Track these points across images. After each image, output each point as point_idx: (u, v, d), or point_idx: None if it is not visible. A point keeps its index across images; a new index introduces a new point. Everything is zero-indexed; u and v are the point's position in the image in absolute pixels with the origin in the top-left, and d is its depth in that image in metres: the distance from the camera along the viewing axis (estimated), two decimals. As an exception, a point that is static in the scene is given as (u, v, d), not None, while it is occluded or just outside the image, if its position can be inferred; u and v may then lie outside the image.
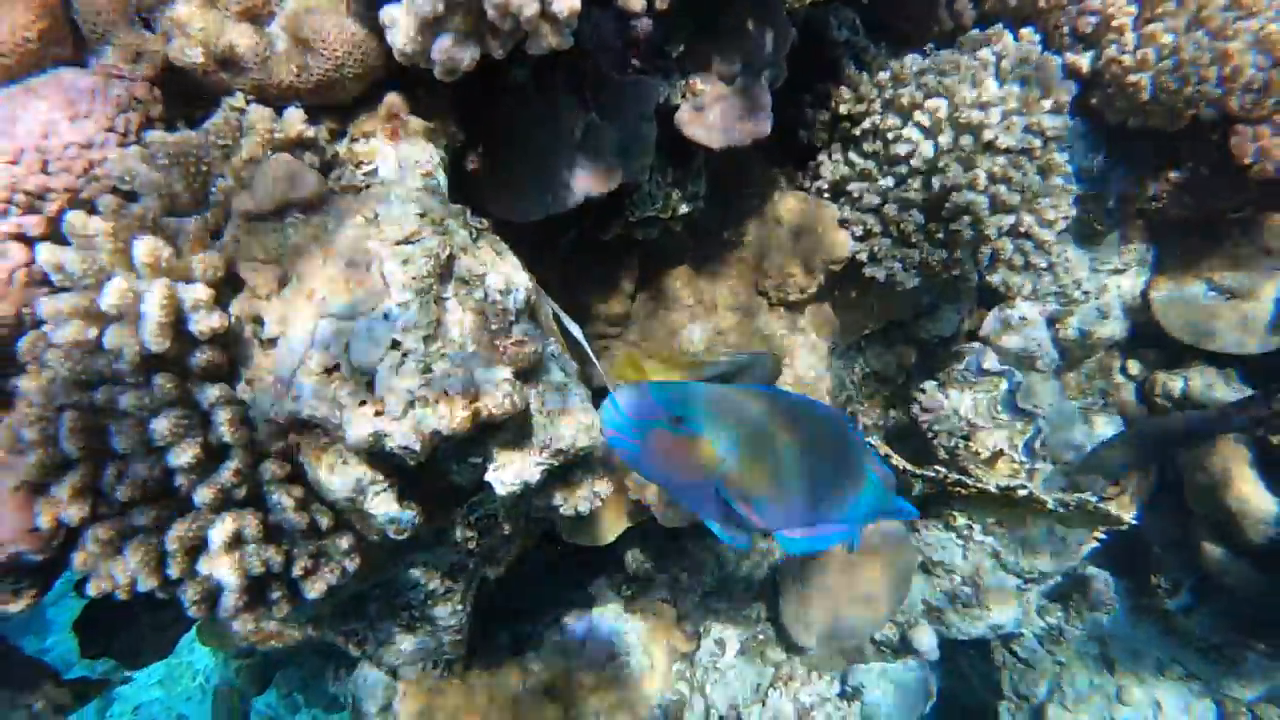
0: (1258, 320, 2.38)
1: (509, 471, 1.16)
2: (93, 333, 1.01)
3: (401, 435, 0.99)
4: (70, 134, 1.06)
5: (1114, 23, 2.06)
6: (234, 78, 1.17)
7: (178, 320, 1.00)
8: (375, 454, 1.06)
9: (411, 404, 0.99)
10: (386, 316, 1.02)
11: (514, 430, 1.16)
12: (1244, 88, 1.97)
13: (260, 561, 1.09)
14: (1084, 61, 2.17)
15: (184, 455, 1.01)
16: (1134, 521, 2.08)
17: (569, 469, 1.29)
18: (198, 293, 0.99)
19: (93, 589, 1.16)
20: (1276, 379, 2.31)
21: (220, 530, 1.05)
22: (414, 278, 1.01)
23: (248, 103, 1.17)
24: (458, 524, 1.49)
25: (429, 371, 1.02)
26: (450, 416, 1.00)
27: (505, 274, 1.06)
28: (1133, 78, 2.04)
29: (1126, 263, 2.43)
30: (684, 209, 1.80)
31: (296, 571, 1.15)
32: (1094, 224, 2.29)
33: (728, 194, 2.03)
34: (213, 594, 1.12)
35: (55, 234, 1.05)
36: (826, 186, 2.06)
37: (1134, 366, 2.65)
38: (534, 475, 1.15)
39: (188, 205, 1.08)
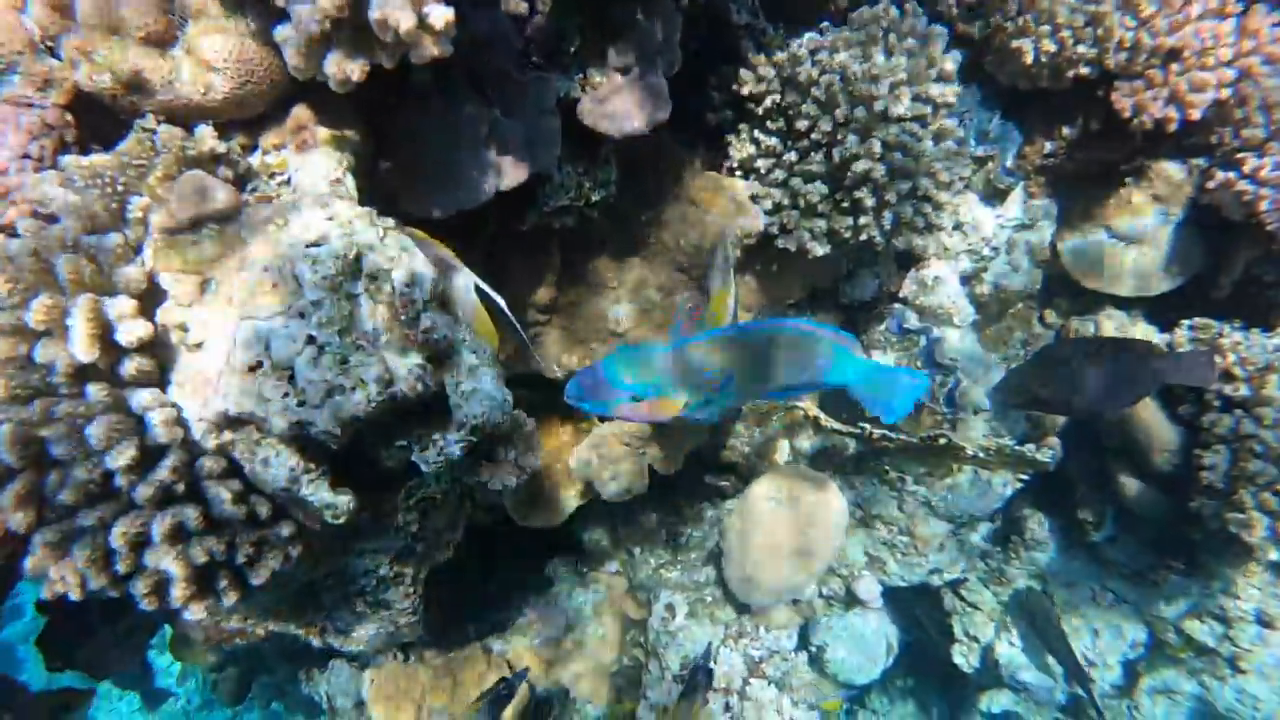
0: (1152, 264, 2.54)
1: (431, 450, 1.25)
2: (23, 349, 1.07)
3: (323, 421, 1.08)
4: (-15, 164, 1.12)
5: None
6: (143, 100, 1.24)
7: (105, 332, 1.07)
8: (302, 441, 1.15)
9: (329, 392, 1.08)
10: (301, 315, 1.10)
11: (436, 413, 1.25)
12: (1116, 47, 2.10)
13: (203, 551, 1.16)
14: (974, 30, 2.30)
15: (121, 457, 1.09)
16: (1050, 464, 2.22)
17: (492, 446, 1.38)
18: (121, 305, 1.06)
19: (46, 592, 1.22)
20: (1176, 316, 2.47)
21: (162, 524, 1.13)
22: (324, 277, 1.09)
23: (158, 123, 1.24)
24: (398, 509, 1.58)
25: (345, 362, 1.10)
26: (365, 401, 1.09)
27: (409, 268, 1.14)
28: (1015, 43, 2.17)
29: (1033, 217, 2.56)
30: (596, 196, 1.89)
31: (240, 559, 1.23)
32: (996, 183, 2.42)
33: (643, 179, 2.13)
34: (162, 585, 1.20)
35: (-20, 259, 1.11)
36: (736, 165, 2.16)
37: (1050, 315, 2.79)
38: (455, 451, 1.24)
39: (106, 224, 1.15)
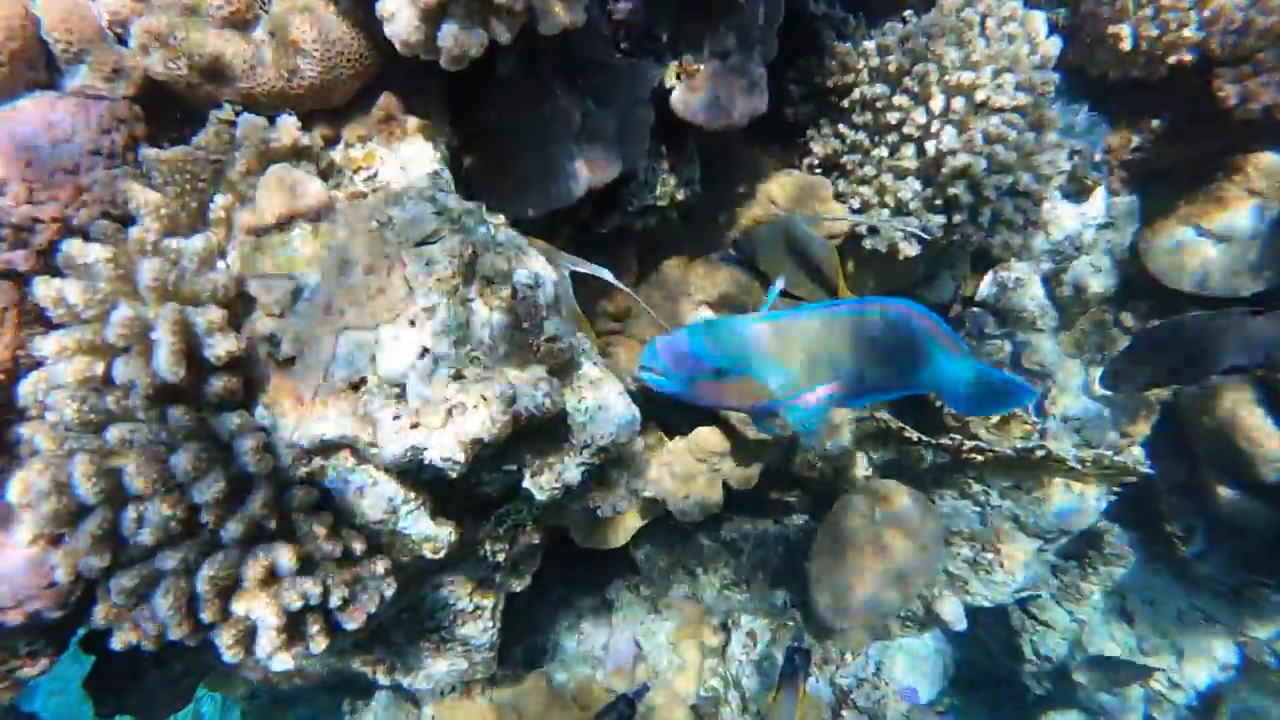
0: (1248, 262, 2.40)
1: (548, 475, 1.11)
2: (100, 368, 0.94)
3: (442, 447, 0.94)
4: (54, 159, 0.99)
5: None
6: (220, 88, 1.11)
7: (191, 346, 0.93)
8: (409, 471, 1.01)
9: (449, 412, 0.94)
10: (413, 323, 0.97)
11: (550, 432, 1.11)
12: (1224, 29, 1.97)
13: (298, 595, 1.03)
14: (1059, 16, 2.17)
15: (209, 490, 0.95)
16: (1150, 470, 2.07)
17: (604, 468, 1.25)
18: (211, 315, 0.92)
19: (118, 642, 1.09)
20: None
21: (255, 566, 0.99)
22: (438, 279, 0.96)
23: (237, 113, 1.11)
24: (487, 538, 1.44)
25: (461, 377, 0.97)
26: (491, 421, 0.95)
27: (531, 268, 1.01)
28: (1113, 28, 2.04)
29: (1115, 215, 2.43)
30: (681, 195, 1.76)
31: (334, 602, 1.09)
32: (1082, 179, 2.28)
33: (715, 178, 2.00)
34: (249, 634, 1.06)
35: (48, 267, 0.98)
36: (818, 162, 2.03)
37: (1128, 318, 2.66)
38: (575, 477, 1.10)
39: (187, 225, 1.02)
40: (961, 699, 3.69)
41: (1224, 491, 2.39)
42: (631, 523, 2.26)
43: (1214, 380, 2.40)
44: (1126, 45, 2.03)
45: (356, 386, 0.98)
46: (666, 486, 2.10)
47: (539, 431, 1.09)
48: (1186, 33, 1.96)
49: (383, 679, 1.79)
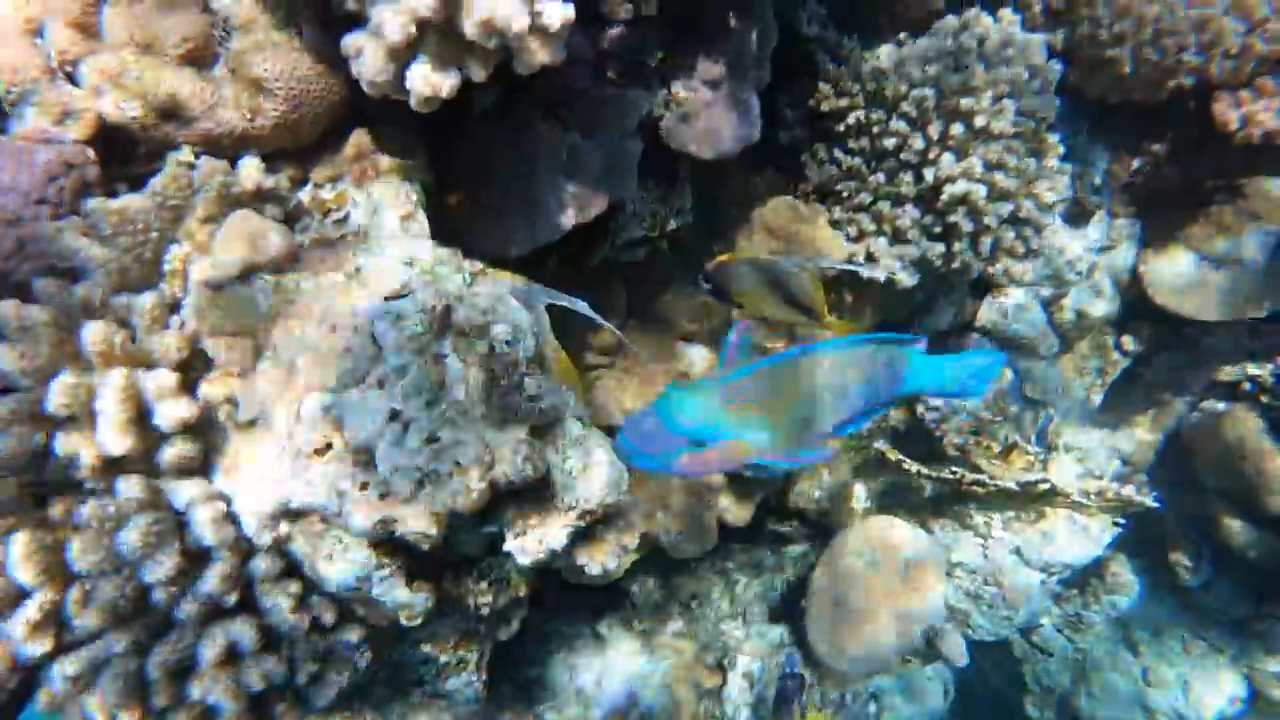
0: (1250, 287, 2.35)
1: (532, 539, 1.04)
2: (40, 439, 0.87)
3: (414, 518, 0.87)
4: (-8, 210, 0.92)
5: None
6: (178, 129, 1.04)
7: (140, 414, 0.86)
8: (379, 542, 0.94)
9: (420, 482, 0.87)
10: (381, 384, 0.89)
11: (534, 493, 1.04)
12: (1223, 54, 1.92)
13: (260, 676, 0.95)
14: (1057, 40, 2.12)
15: (160, 569, 0.87)
16: (1156, 504, 2.01)
17: (591, 524, 1.17)
18: (161, 379, 0.85)
19: (64, 727, 1.01)
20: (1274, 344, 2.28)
21: (212, 647, 0.91)
22: (409, 337, 0.89)
23: (196, 155, 1.04)
24: (469, 593, 1.36)
25: (435, 441, 0.89)
26: (465, 491, 0.88)
27: (510, 321, 0.94)
28: (1112, 52, 1.99)
29: (1115, 239, 2.38)
30: (673, 225, 1.70)
31: (302, 679, 1.01)
32: (1083, 203, 2.23)
33: (708, 206, 1.94)
34: (207, 718, 0.98)
35: (-14, 326, 0.91)
36: (812, 188, 1.97)
37: (1129, 342, 2.60)
38: (560, 541, 1.03)
39: (139, 280, 0.95)
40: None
41: (1230, 521, 2.33)
42: (624, 558, 2.18)
43: (1219, 407, 2.36)
44: (1126, 69, 1.97)
45: (322, 452, 0.90)
46: (659, 522, 2.02)
47: (523, 492, 1.02)
48: (1185, 57, 1.91)
49: (362, 735, 1.70)
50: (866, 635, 1.85)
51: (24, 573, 0.85)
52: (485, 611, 1.43)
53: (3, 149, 0.95)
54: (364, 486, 0.87)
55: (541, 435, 0.97)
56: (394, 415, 0.88)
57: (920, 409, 2.28)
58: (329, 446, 0.90)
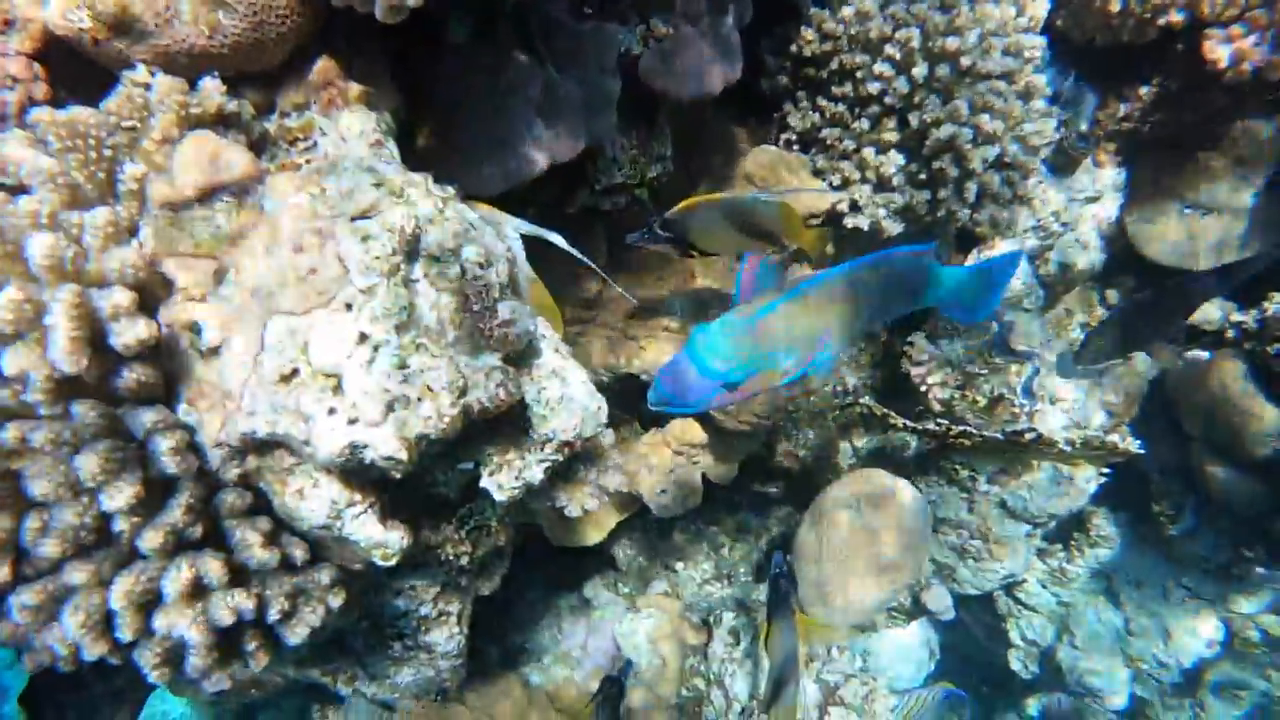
0: (1235, 233, 2.34)
1: (507, 474, 1.01)
2: (-11, 362, 0.83)
3: (384, 443, 0.84)
4: (-65, 126, 0.87)
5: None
6: (132, 45, 0.99)
7: (95, 334, 0.82)
8: (352, 470, 0.91)
9: (390, 405, 0.84)
10: (349, 306, 0.86)
11: (509, 426, 1.01)
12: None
13: (229, 609, 0.92)
14: (1044, -18, 2.08)
15: (119, 496, 0.84)
16: (1141, 450, 2.00)
17: (570, 463, 1.15)
18: (116, 297, 0.81)
19: (29, 664, 0.98)
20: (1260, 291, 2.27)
21: (177, 579, 0.88)
22: (377, 257, 0.85)
23: (152, 74, 0.99)
24: (448, 541, 1.34)
25: (405, 366, 0.86)
26: (437, 415, 0.85)
27: (483, 245, 0.90)
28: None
29: (1100, 189, 2.36)
30: (653, 172, 1.66)
31: (273, 615, 0.98)
32: (1069, 151, 2.21)
33: (688, 155, 1.90)
34: (176, 653, 0.95)
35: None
36: (795, 137, 1.94)
37: (1113, 296, 2.60)
38: (536, 476, 1.01)
39: (92, 198, 0.91)
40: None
41: (1214, 469, 2.33)
42: (607, 519, 2.16)
43: (1203, 356, 2.36)
44: (1115, 6, 1.95)
45: (288, 378, 0.87)
46: (643, 481, 2.00)
47: (496, 425, 0.99)
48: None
49: (344, 689, 1.69)
50: (852, 586, 1.84)
51: (-24, 500, 0.82)
52: (465, 562, 1.41)
53: (-56, 64, 0.91)
54: (331, 411, 0.84)
55: (516, 363, 0.94)
56: (362, 338, 0.85)
57: (904, 364, 2.26)
58: (295, 372, 0.86)
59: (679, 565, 2.53)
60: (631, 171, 1.60)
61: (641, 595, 2.30)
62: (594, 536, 2.19)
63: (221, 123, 1.01)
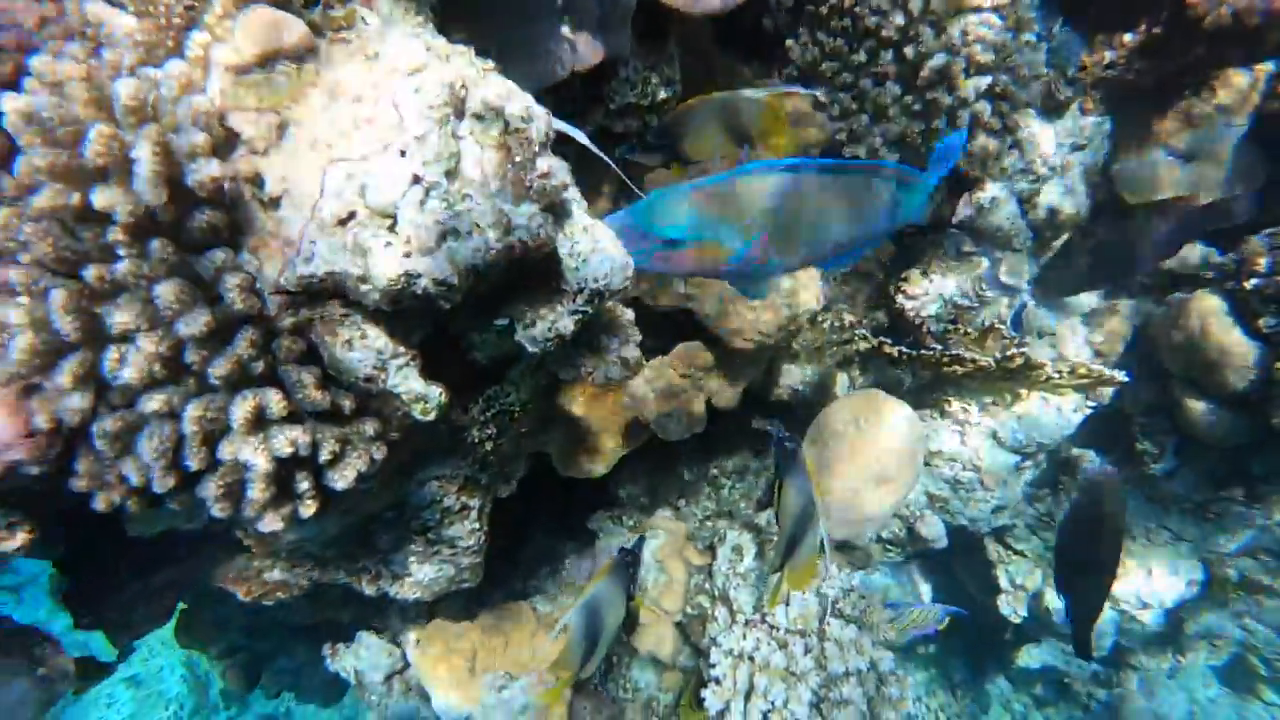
0: (1215, 180, 2.44)
1: (541, 326, 1.10)
2: (75, 198, 0.91)
3: (437, 268, 0.92)
4: (19, -12, 0.95)
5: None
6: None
7: (173, 175, 0.90)
8: (403, 307, 0.99)
9: (443, 236, 0.92)
10: (403, 153, 0.94)
11: (541, 283, 1.10)
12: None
13: (288, 441, 1.00)
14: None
15: (194, 324, 0.92)
16: (1127, 378, 2.11)
17: (594, 333, 1.23)
18: (194, 137, 0.89)
19: (101, 502, 1.06)
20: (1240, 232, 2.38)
21: (243, 406, 0.97)
22: (430, 105, 0.94)
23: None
24: (474, 423, 1.43)
25: (454, 206, 0.95)
26: (485, 248, 0.93)
27: (524, 102, 0.99)
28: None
29: (1087, 136, 2.46)
30: (663, 95, 1.75)
31: (324, 456, 1.07)
32: (1056, 95, 2.31)
33: (694, 86, 1.99)
34: (237, 487, 1.03)
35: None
36: (797, 72, 2.03)
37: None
38: (568, 326, 1.09)
39: (161, 59, 0.99)
40: (938, 645, 3.74)
41: (1194, 404, 2.44)
42: (612, 446, 2.24)
43: (1178, 295, 2.46)
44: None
45: (345, 221, 0.95)
46: (649, 403, 2.09)
47: (531, 275, 1.08)
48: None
49: (368, 589, 1.77)
50: (854, 501, 1.93)
51: (65, 324, 0.90)
52: (489, 446, 1.49)
53: (26, -65, 0.98)
54: (388, 245, 0.92)
55: (552, 215, 1.02)
56: (415, 180, 0.93)
57: (900, 299, 2.36)
58: (352, 215, 0.95)
59: (680, 503, 2.62)
60: (641, 92, 1.69)
61: (647, 521, 2.39)
62: (600, 467, 2.27)
63: (274, 5, 1.09)
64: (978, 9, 1.81)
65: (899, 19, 1.84)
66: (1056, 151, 2.42)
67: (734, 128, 1.57)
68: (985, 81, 1.84)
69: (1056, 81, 2.29)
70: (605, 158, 1.35)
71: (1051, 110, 2.38)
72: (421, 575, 1.71)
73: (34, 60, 0.87)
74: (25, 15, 0.95)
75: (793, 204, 1.14)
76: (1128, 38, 2.29)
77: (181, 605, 2.52)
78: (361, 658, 2.53)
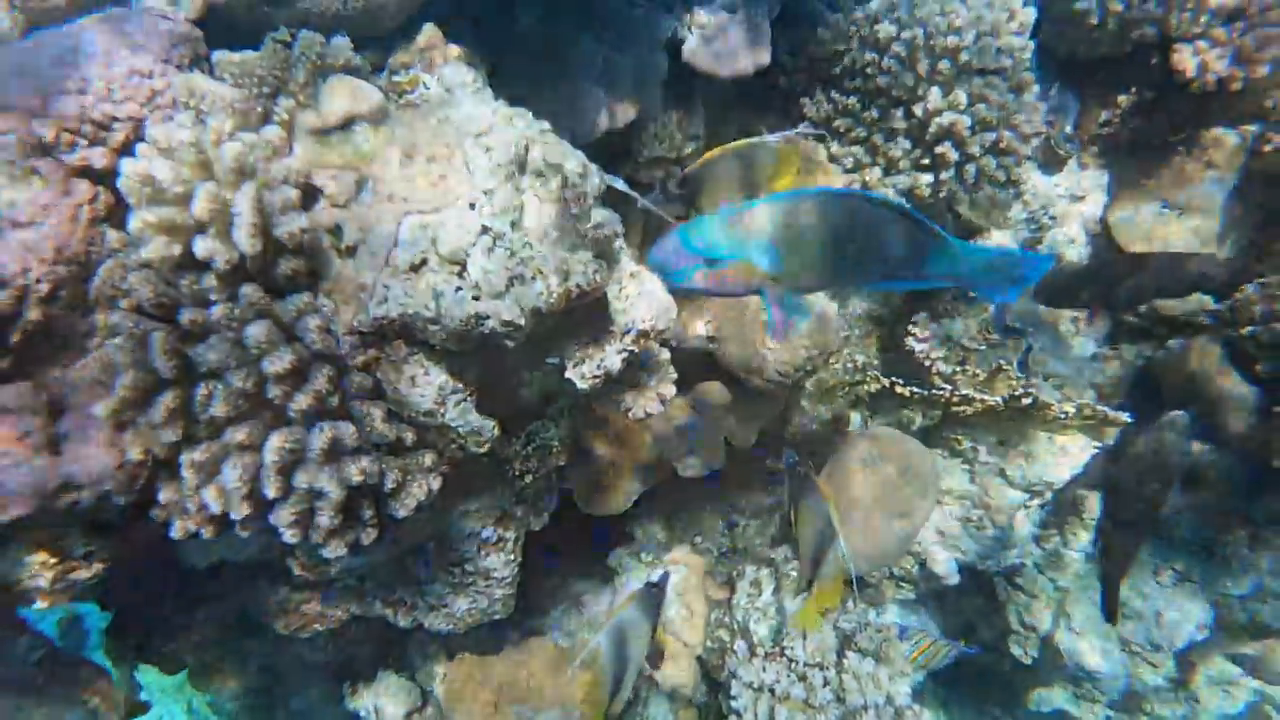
0: (1209, 232, 2.56)
1: (589, 364, 1.18)
2: (177, 249, 1.01)
3: (505, 310, 1.01)
4: (131, 61, 1.06)
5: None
6: (277, 11, 1.19)
7: (266, 225, 1.00)
8: (469, 339, 1.08)
9: (510, 282, 1.02)
10: (472, 206, 1.04)
11: (589, 326, 1.19)
12: (1181, 6, 2.13)
13: (359, 470, 1.09)
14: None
15: (279, 361, 1.01)
16: (1130, 420, 2.19)
17: (634, 370, 1.32)
18: (286, 193, 1.00)
19: (179, 530, 1.14)
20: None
21: (320, 438, 1.05)
22: (498, 164, 1.04)
23: (293, 34, 1.19)
24: (516, 456, 1.51)
25: (518, 254, 1.05)
26: (546, 291, 1.03)
27: (579, 159, 1.09)
28: (1079, 5, 2.19)
29: (1085, 189, 2.57)
30: (688, 149, 1.86)
31: (389, 485, 1.15)
32: (1057, 149, 2.43)
33: (716, 139, 2.11)
34: (307, 516, 1.11)
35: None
36: (812, 127, 2.15)
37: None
38: (616, 364, 1.18)
39: (256, 125, 1.09)
40: (947, 688, 3.75)
41: (1197, 446, 2.51)
42: (630, 486, 2.31)
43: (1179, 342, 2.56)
44: (1094, 20, 2.18)
45: (418, 267, 1.05)
46: (669, 441, 2.17)
47: (580, 323, 1.17)
48: (1148, 7, 2.12)
49: (402, 621, 1.83)
50: (867, 537, 2.00)
51: (163, 363, 0.99)
52: (528, 479, 1.57)
53: (136, 14, 1.10)
54: (459, 290, 1.02)
55: (605, 260, 1.12)
56: (484, 230, 1.03)
57: (910, 341, 2.45)
58: (424, 262, 1.04)
59: (698, 539, 2.68)
60: (668, 145, 1.80)
61: (666, 556, 2.45)
62: (620, 504, 2.34)
63: (349, 74, 1.20)
64: (981, 71, 1.93)
65: (909, 80, 1.96)
66: (1057, 203, 2.54)
67: (747, 178, 1.66)
68: (990, 137, 1.96)
69: (1056, 138, 2.42)
70: (656, 209, 1.44)
71: (1052, 164, 2.50)
72: (457, 607, 1.78)
73: (149, 129, 0.98)
74: (139, 89, 1.06)
75: (815, 225, 1.18)
76: (1121, 98, 2.42)
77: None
78: (382, 696, 2.57)
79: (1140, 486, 1.75)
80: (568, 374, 1.19)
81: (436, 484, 1.23)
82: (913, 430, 2.59)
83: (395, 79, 1.29)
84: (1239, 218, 2.56)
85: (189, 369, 1.05)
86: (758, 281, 1.20)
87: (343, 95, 1.09)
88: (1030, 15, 1.98)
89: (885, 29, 1.98)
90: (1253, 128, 2.43)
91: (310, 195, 1.10)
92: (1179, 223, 2.59)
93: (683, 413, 2.17)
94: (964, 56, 1.90)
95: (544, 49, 1.50)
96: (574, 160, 1.08)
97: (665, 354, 1.36)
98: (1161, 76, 2.33)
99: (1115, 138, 2.53)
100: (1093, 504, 2.87)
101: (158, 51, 1.10)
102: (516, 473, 1.52)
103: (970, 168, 2.00)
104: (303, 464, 1.07)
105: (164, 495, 1.10)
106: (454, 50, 1.29)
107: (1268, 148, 2.35)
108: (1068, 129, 2.46)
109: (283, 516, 1.10)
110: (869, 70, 2.02)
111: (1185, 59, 2.21)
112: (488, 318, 1.02)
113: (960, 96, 1.91)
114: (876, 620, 2.10)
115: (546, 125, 1.18)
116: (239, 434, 1.05)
